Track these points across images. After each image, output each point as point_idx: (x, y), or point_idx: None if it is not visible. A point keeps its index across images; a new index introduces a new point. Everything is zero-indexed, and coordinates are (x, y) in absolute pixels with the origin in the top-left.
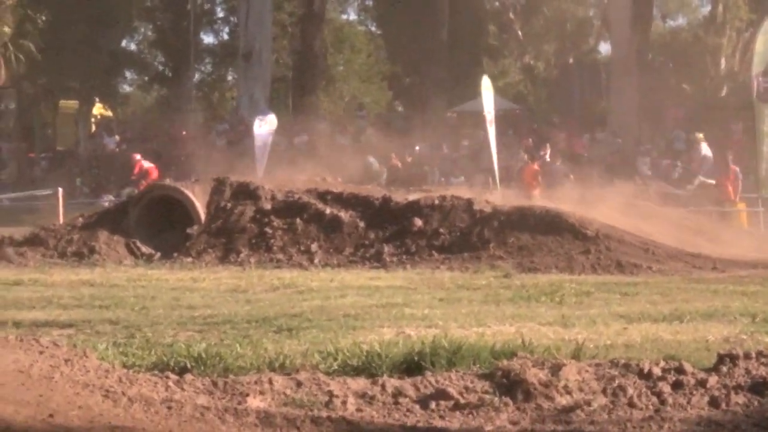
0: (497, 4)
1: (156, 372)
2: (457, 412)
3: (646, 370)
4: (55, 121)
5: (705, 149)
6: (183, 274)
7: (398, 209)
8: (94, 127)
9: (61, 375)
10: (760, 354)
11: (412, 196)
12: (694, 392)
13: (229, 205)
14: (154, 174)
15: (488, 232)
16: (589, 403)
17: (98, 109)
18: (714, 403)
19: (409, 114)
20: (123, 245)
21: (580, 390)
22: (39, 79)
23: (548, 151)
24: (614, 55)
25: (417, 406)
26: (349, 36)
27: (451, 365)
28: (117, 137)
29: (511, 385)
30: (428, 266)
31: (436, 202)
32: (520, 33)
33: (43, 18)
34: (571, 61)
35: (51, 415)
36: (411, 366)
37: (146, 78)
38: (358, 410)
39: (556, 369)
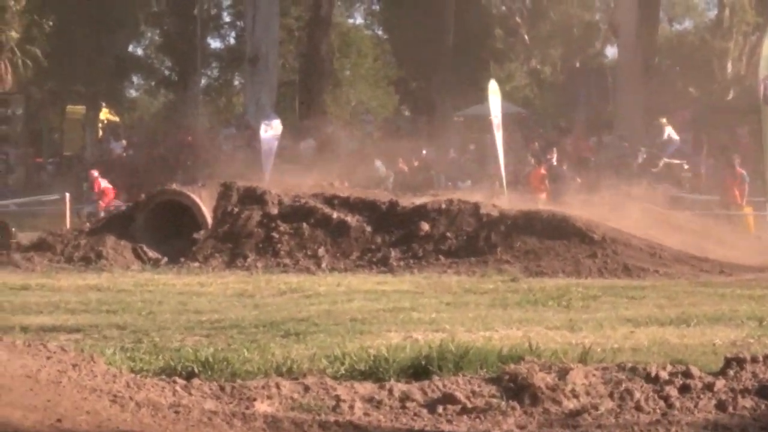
0: (504, 8)
1: (163, 377)
2: (465, 417)
3: (653, 374)
4: (62, 126)
5: (669, 132)
6: (190, 278)
7: (405, 213)
8: (101, 132)
9: (69, 380)
10: (767, 358)
11: (419, 201)
12: (702, 396)
13: (236, 209)
14: (111, 194)
15: (495, 236)
16: (596, 407)
17: (105, 114)
18: (721, 406)
19: (416, 118)
20: (130, 250)
21: (588, 394)
22: (46, 84)
23: (555, 155)
24: (621, 59)
25: (424, 411)
26: (355, 40)
27: (459, 369)
28: (124, 142)
29: (518, 390)
30: (435, 270)
31: (443, 206)
32: (526, 37)
33: (50, 23)
34: (577, 64)
35: (59, 420)
36: (418, 370)
37: (153, 83)
38: (366, 414)
39: (563, 373)
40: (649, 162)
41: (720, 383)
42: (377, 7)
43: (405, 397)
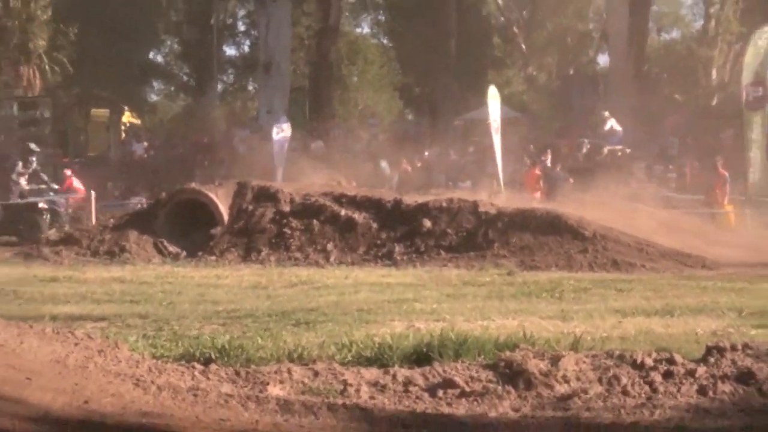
0: (502, 18)
1: (183, 362)
2: (463, 400)
3: (639, 361)
4: (87, 128)
5: (612, 123)
6: (207, 271)
7: (408, 211)
8: (123, 134)
9: (95, 365)
10: (746, 346)
11: (422, 199)
12: (684, 381)
13: (250, 207)
14: (81, 192)
15: (493, 232)
16: (585, 392)
17: (127, 117)
18: (702, 391)
19: (419, 121)
20: (151, 245)
21: (578, 379)
22: (72, 89)
23: (549, 157)
24: (612, 67)
25: (426, 394)
26: (362, 48)
27: (458, 356)
28: (145, 143)
29: (513, 375)
30: (436, 264)
31: (444, 204)
32: (523, 46)
33: (75, 32)
34: (571, 72)
35: (86, 402)
36: (420, 357)
37: (172, 88)
38: (371, 398)
39: (555, 360)
40: (593, 151)
41: (701, 370)
42: (383, 18)
43: (408, 382)
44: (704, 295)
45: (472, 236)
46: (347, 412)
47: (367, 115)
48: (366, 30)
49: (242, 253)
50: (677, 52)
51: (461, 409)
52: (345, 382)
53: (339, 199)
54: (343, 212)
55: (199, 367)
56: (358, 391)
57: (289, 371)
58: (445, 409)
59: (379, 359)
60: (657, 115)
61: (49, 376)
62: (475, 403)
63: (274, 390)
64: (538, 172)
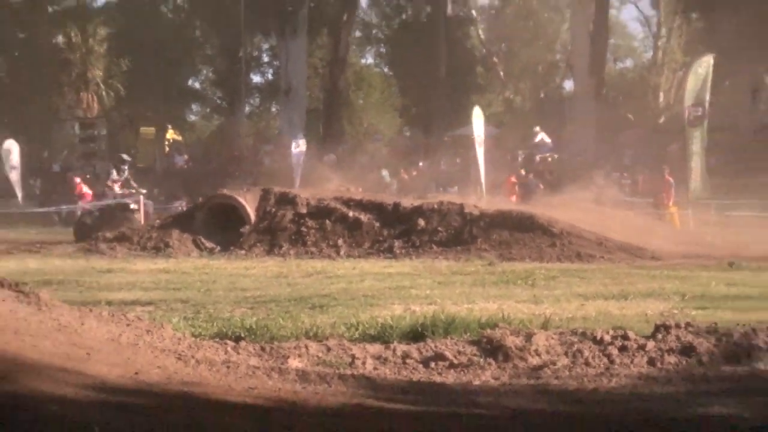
0: (484, 50)
1: (217, 340)
2: (452, 370)
3: (598, 337)
4: (136, 144)
5: (542, 136)
6: (238, 263)
7: (406, 212)
8: (167, 149)
9: (144, 342)
10: (688, 324)
11: (417, 202)
12: (636, 354)
13: (273, 209)
14: (88, 197)
15: (476, 230)
16: (554, 363)
17: (170, 134)
18: (652, 362)
19: (415, 137)
20: (191, 241)
21: (547, 353)
22: (124, 111)
23: (523, 167)
24: (576, 91)
25: (420, 366)
26: (367, 76)
27: (447, 334)
28: (185, 156)
29: (493, 349)
30: (429, 257)
31: (436, 206)
32: (501, 73)
33: (127, 63)
34: (542, 95)
35: (136, 373)
36: (416, 334)
37: (208, 110)
38: (375, 369)
39: (528, 336)
40: (528, 159)
41: (651, 344)
42: (384, 50)
43: (405, 355)
44: (653, 282)
45: (459, 233)
46: (355, 381)
47: (371, 132)
48: (370, 61)
49: (266, 248)
50: (631, 78)
51: (450, 378)
52: (353, 356)
53: (347, 202)
54: (351, 213)
55: (230, 343)
56: (364, 363)
57: (306, 347)
58: (437, 378)
59: (381, 336)
60: (614, 131)
61: (105, 352)
62: (462, 373)
63: (294, 362)
64: (513, 179)
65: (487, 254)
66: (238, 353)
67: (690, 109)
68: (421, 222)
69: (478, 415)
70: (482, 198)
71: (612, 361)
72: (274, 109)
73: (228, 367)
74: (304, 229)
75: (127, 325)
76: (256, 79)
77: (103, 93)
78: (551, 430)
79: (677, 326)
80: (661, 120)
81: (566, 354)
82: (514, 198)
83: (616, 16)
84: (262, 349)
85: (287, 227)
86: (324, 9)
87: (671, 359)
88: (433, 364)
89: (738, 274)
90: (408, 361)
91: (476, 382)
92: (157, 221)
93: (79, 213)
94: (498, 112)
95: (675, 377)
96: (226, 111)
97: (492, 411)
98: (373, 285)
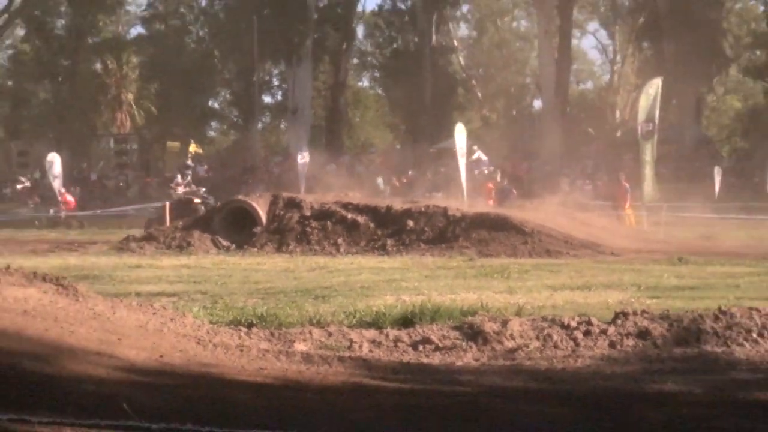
0: (464, 74)
1: (232, 326)
2: (437, 353)
3: (566, 323)
4: (164, 157)
5: (479, 154)
6: (251, 259)
7: (397, 214)
8: (190, 160)
9: (168, 329)
10: (643, 312)
11: (406, 206)
12: (599, 338)
13: (282, 212)
14: (72, 204)
15: (458, 229)
16: (527, 346)
17: (193, 147)
18: (612, 345)
19: (404, 149)
20: (209, 240)
21: (521, 337)
22: (153, 128)
23: (499, 175)
24: (544, 109)
25: (410, 349)
26: (363, 97)
27: (433, 320)
28: (206, 167)
29: (474, 334)
30: (417, 253)
31: (423, 209)
32: (479, 94)
33: (155, 87)
34: (514, 113)
35: (161, 356)
36: (406, 321)
37: (225, 126)
38: (370, 351)
39: (504, 323)
40: (469, 173)
41: (611, 329)
42: (378, 75)
43: (397, 340)
44: (613, 275)
45: (443, 233)
46: (353, 362)
47: (367, 145)
48: (366, 83)
49: (276, 246)
50: (591, 98)
51: (436, 359)
52: (351, 340)
53: (346, 206)
54: (349, 216)
55: (244, 329)
56: (360, 346)
57: (310, 332)
58: (424, 360)
59: (375, 323)
60: (577, 144)
61: (134, 337)
62: (446, 355)
63: (299, 346)
64: (490, 185)
65: (468, 251)
66: (251, 338)
67: (642, 124)
68: (410, 223)
69: (460, 392)
70: (463, 202)
71: (578, 344)
72: (282, 126)
73: (241, 350)
74: (308, 229)
75: (153, 313)
76: (268, 99)
77: (135, 112)
78: (525, 404)
79: (634, 313)
80: (618, 134)
81: (537, 338)
82: (491, 202)
83: (578, 45)
84: (272, 334)
85: (294, 228)
86: (326, 40)
87: (629, 342)
88: (421, 347)
89: (686, 268)
90: (399, 344)
91: (459, 363)
92: (180, 223)
93: (63, 216)
94: (476, 127)
95: (633, 358)
96: (241, 127)
97: (473, 388)
98: (369, 278)
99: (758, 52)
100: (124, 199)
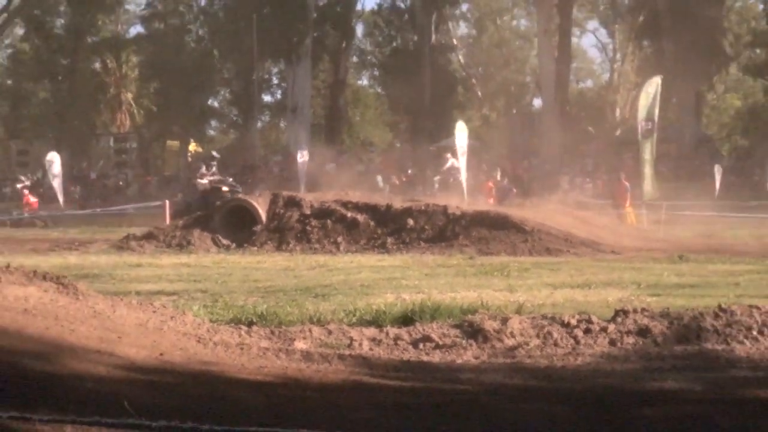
0: (464, 73)
1: (232, 324)
2: (438, 350)
3: (566, 321)
4: (163, 155)
5: (452, 162)
6: (251, 258)
7: (397, 213)
8: (190, 159)
9: (168, 327)
10: (643, 310)
11: (406, 204)
12: (599, 336)
13: (282, 211)
14: (34, 205)
15: (458, 228)
16: (527, 344)
17: (193, 146)
18: (612, 343)
19: (404, 148)
20: (210, 239)
21: (521, 335)
22: (153, 127)
23: (499, 173)
24: (544, 108)
25: (410, 347)
26: (363, 96)
27: (433, 318)
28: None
29: (474, 332)
30: (417, 252)
31: (423, 207)
32: (479, 92)
33: (154, 86)
34: (514, 111)
35: (161, 354)
36: (406, 319)
37: (225, 125)
38: (370, 349)
39: (504, 321)
40: (443, 180)
41: (611, 327)
42: (378, 73)
43: (397, 338)
44: (613, 273)
45: (443, 231)
46: (353, 360)
47: (366, 144)
48: (365, 82)
49: (276, 245)
50: (591, 96)
51: (436, 357)
52: (351, 338)
53: (346, 204)
54: (349, 214)
55: (244, 328)
56: (360, 344)
57: (310, 330)
58: (425, 358)
59: (376, 321)
60: (577, 142)
61: (134, 336)
62: (446, 353)
63: (299, 344)
64: (490, 184)
65: (468, 249)
66: (251, 336)
67: (642, 123)
68: (410, 221)
69: (460, 390)
70: (463, 200)
71: (578, 342)
72: (282, 125)
73: (242, 348)
74: (308, 228)
75: (154, 312)
76: (267, 98)
77: (135, 111)
78: (525, 402)
79: (634, 311)
80: (618, 132)
81: (537, 336)
82: (491, 200)
83: (577, 43)
84: (272, 332)
85: (294, 226)
86: (325, 38)
87: (629, 340)
88: (421, 345)
89: (686, 266)
90: (399, 342)
91: (459, 361)
92: (180, 221)
93: (26, 217)
94: (476, 126)
95: (633, 356)
96: (240, 126)
97: (473, 386)
98: (369, 276)
99: (758, 51)
100: (123, 197)
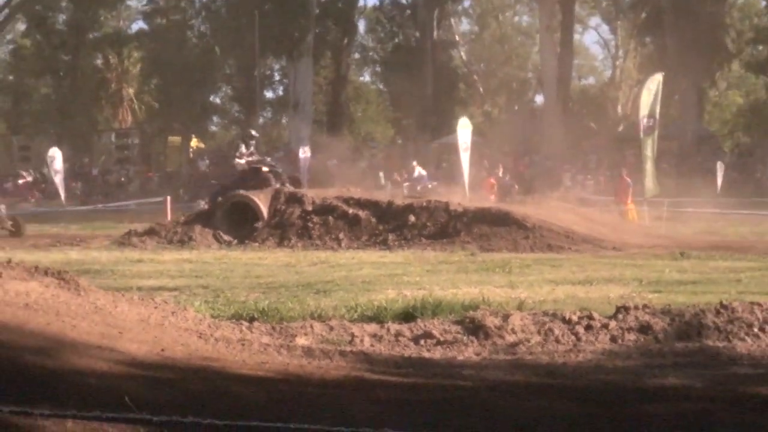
0: (465, 69)
1: (234, 320)
2: (439, 347)
3: (567, 318)
4: (165, 151)
5: (419, 170)
6: (252, 254)
7: (398, 209)
8: (191, 155)
9: (169, 323)
10: (644, 306)
11: (408, 201)
12: (600, 332)
13: (283, 207)
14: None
15: (460, 224)
16: (528, 340)
17: (194, 142)
18: (613, 339)
19: (406, 145)
20: (211, 235)
21: (522, 331)
22: (154, 123)
23: (501, 170)
24: (546, 105)
25: (411, 343)
26: (364, 92)
27: (435, 315)
28: (207, 161)
29: (475, 328)
30: (419, 248)
31: (424, 204)
32: (481, 89)
33: (156, 82)
34: (516, 108)
35: (162, 350)
36: (407, 315)
37: (226, 121)
38: (371, 346)
39: (505, 317)
40: (411, 189)
41: (613, 324)
42: (380, 69)
43: (398, 334)
44: (614, 270)
45: (445, 227)
46: (354, 356)
47: (368, 140)
48: (367, 78)
49: (277, 241)
50: (593, 93)
51: (437, 354)
52: (352, 335)
53: (348, 201)
54: (350, 211)
55: (245, 323)
56: (362, 341)
57: (311, 326)
58: (426, 354)
59: (377, 317)
60: (578, 138)
61: (135, 331)
62: (448, 349)
63: (301, 340)
64: (492, 181)
65: (469, 246)
66: (252, 332)
67: (643, 119)
68: (412, 218)
69: (462, 386)
70: (465, 197)
71: (579, 339)
72: (284, 121)
73: (243, 344)
74: (310, 224)
75: (155, 307)
76: (269, 95)
77: (136, 107)
78: (526, 399)
79: (636, 308)
80: (620, 129)
81: (539, 332)
82: (492, 197)
83: (579, 40)
84: (273, 328)
85: (295, 223)
86: (327, 35)
87: (630, 337)
88: (422, 342)
89: (687, 263)
90: (400, 339)
91: (460, 357)
92: (182, 218)
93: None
94: (478, 122)
95: (634, 352)
96: (242, 122)
97: (474, 382)
98: (370, 273)
99: (760, 47)
100: (125, 193)
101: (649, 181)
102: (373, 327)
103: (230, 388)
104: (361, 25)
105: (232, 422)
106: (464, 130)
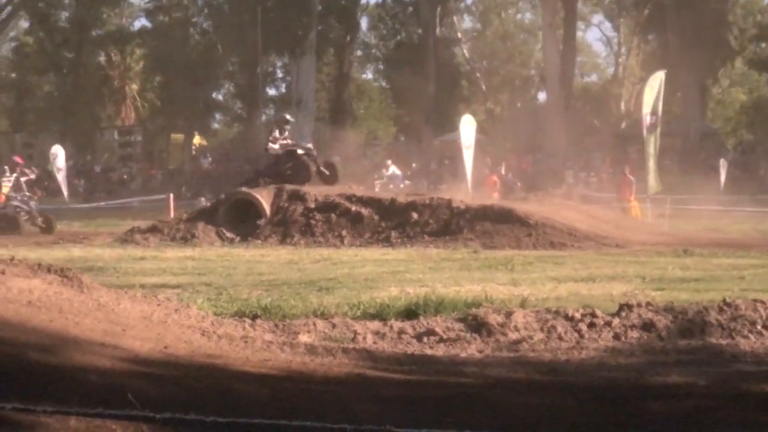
0: (468, 67)
1: (236, 318)
2: (441, 344)
3: (570, 315)
4: (168, 148)
5: (393, 169)
6: (255, 251)
7: (401, 207)
8: (194, 152)
9: (172, 320)
10: (648, 304)
11: (411, 198)
12: (603, 330)
13: (286, 204)
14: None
15: (462, 222)
16: (531, 338)
17: (197, 139)
18: (616, 337)
19: (408, 142)
20: (214, 232)
21: (525, 329)
22: (157, 120)
23: (503, 167)
24: (548, 102)
25: (414, 340)
26: (367, 89)
27: (437, 312)
28: (210, 159)
29: (478, 326)
30: (421, 245)
31: (427, 201)
32: (483, 86)
33: (159, 79)
34: (519, 105)
35: (165, 347)
36: (410, 313)
37: (229, 118)
38: (374, 343)
39: (508, 314)
40: (384, 187)
41: (616, 321)
42: (382, 67)
43: (401, 331)
44: (617, 267)
45: (447, 225)
46: (357, 354)
47: (371, 138)
48: (370, 76)
49: (280, 238)
50: (595, 90)
51: (440, 351)
52: (355, 332)
53: (350, 198)
54: (353, 208)
55: (248, 321)
56: (364, 338)
57: (314, 324)
58: (429, 351)
59: (380, 315)
60: (581, 136)
61: (138, 328)
62: (450, 346)
63: (303, 338)
64: (495, 178)
65: (472, 243)
66: (255, 329)
67: (646, 117)
68: (415, 215)
69: (464, 384)
70: (468, 194)
71: (582, 336)
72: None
73: (246, 341)
74: (312, 221)
75: (158, 305)
76: (271, 92)
77: (139, 105)
78: (528, 396)
79: (639, 305)
80: (623, 126)
81: (542, 330)
82: (495, 194)
83: (582, 37)
84: (276, 326)
85: (298, 220)
86: (330, 32)
87: (634, 334)
88: (425, 339)
89: (690, 260)
90: (403, 336)
91: (463, 355)
92: (185, 215)
93: None
94: (480, 120)
95: (637, 350)
96: (245, 120)
97: (476, 380)
98: (373, 270)
99: (763, 45)
100: (128, 191)
101: (652, 179)
102: (375, 324)
103: (233, 385)
104: (364, 23)
105: (235, 419)
106: (467, 127)
